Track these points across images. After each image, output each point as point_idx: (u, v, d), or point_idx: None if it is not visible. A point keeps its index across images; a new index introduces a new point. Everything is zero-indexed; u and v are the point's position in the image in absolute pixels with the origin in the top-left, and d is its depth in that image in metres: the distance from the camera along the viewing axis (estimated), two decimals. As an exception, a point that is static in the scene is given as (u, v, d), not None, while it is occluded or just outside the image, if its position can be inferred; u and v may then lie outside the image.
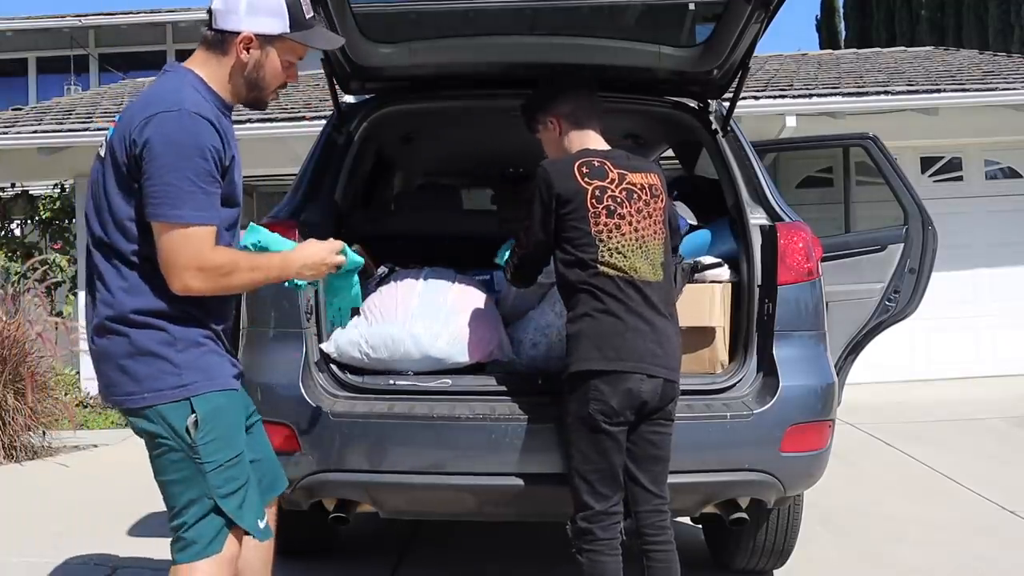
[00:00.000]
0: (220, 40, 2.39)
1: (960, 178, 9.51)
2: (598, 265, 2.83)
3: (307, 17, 2.42)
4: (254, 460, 2.58)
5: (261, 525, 2.45)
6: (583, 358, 2.79)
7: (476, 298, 3.37)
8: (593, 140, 3.06)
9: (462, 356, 3.23)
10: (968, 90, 8.85)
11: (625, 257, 2.84)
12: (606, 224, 2.84)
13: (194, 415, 2.32)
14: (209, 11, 2.40)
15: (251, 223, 2.68)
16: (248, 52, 2.38)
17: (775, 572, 3.90)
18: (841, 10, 20.69)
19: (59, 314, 9.51)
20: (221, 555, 2.38)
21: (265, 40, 2.38)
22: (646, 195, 2.93)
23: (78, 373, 9.24)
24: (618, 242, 2.84)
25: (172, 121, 2.25)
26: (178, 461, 2.35)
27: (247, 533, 2.44)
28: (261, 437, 2.66)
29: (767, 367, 3.18)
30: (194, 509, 2.36)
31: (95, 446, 7.27)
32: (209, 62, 2.41)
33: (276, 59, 2.42)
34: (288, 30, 2.38)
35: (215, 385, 2.37)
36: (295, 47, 2.43)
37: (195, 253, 2.26)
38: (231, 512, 2.36)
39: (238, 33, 2.36)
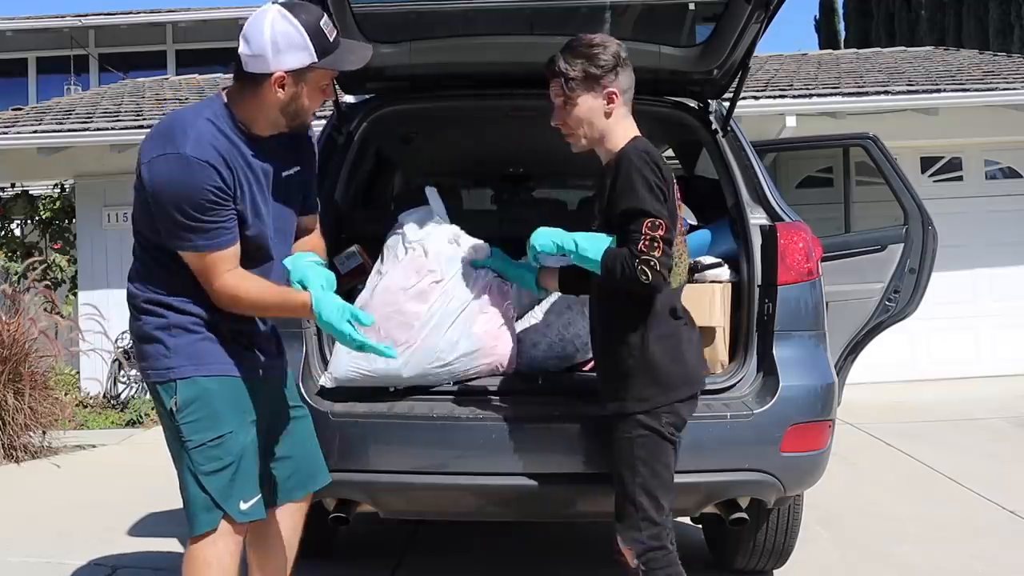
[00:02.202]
0: (253, 81, 2.45)
1: (960, 178, 9.51)
2: (669, 273, 2.63)
3: (331, 40, 2.46)
4: (282, 457, 2.71)
5: (243, 507, 2.54)
6: (673, 387, 2.67)
7: (494, 315, 3.19)
8: (635, 127, 2.80)
9: (467, 373, 3.19)
10: (968, 90, 8.85)
11: (682, 265, 2.75)
12: (677, 230, 2.69)
13: (176, 397, 2.49)
14: (237, 56, 2.45)
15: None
16: (283, 89, 2.44)
17: (775, 572, 3.90)
18: (841, 10, 20.68)
19: (60, 314, 9.53)
20: (228, 530, 2.51)
21: (297, 74, 2.43)
22: (679, 194, 2.83)
23: (78, 373, 9.24)
24: (679, 249, 2.74)
25: (166, 166, 2.38)
26: (170, 436, 2.56)
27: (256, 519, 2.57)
28: (296, 434, 2.77)
29: (767, 367, 3.18)
30: (188, 485, 2.52)
31: (94, 446, 7.28)
32: (244, 97, 2.48)
33: (311, 87, 2.48)
34: (316, 59, 2.43)
35: (203, 370, 2.51)
36: (326, 72, 2.50)
37: (211, 278, 2.45)
38: (213, 491, 2.49)
39: (270, 75, 2.41)
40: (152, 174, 2.39)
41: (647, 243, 2.52)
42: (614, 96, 2.70)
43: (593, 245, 2.65)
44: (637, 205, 2.55)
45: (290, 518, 2.76)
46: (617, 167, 2.63)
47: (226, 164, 2.41)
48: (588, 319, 2.99)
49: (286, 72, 2.41)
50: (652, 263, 2.52)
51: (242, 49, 2.43)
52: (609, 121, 2.72)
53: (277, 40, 2.38)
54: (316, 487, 2.81)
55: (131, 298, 2.57)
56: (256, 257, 2.56)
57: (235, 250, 2.47)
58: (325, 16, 2.47)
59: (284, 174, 2.62)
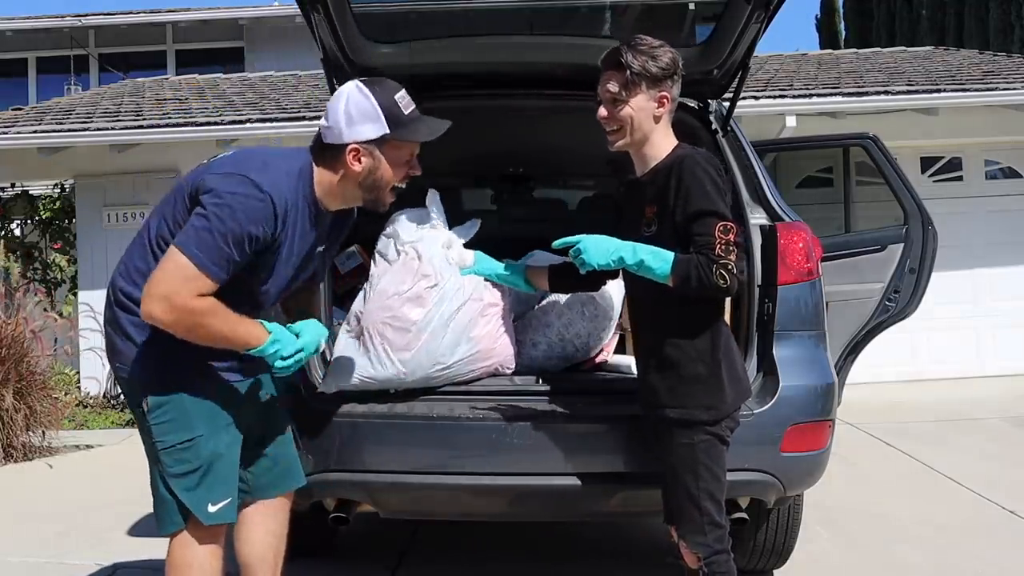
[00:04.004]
0: (331, 154, 2.49)
1: (960, 178, 9.51)
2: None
3: (406, 113, 2.49)
4: (262, 455, 2.70)
5: (211, 509, 2.52)
6: (735, 394, 2.69)
7: (493, 317, 3.17)
8: (675, 137, 2.77)
9: (467, 376, 3.18)
10: (968, 90, 8.84)
11: None
12: None
13: (147, 397, 2.48)
14: (318, 129, 2.52)
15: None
16: (360, 162, 2.48)
17: (775, 572, 3.90)
18: (841, 10, 20.67)
19: (59, 314, 9.52)
20: (206, 531, 2.52)
21: (371, 146, 2.46)
22: None
23: (78, 373, 9.24)
24: None
25: (239, 186, 2.37)
26: (142, 434, 2.56)
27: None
28: (271, 434, 2.75)
29: (767, 367, 3.18)
30: (157, 485, 2.53)
31: (94, 446, 7.28)
32: (325, 168, 2.51)
33: (386, 161, 2.50)
34: (388, 131, 2.46)
35: (176, 378, 2.49)
36: (403, 144, 2.51)
37: (179, 288, 2.33)
38: (179, 492, 2.50)
39: (346, 146, 2.45)
40: (223, 184, 2.38)
41: (722, 247, 2.51)
42: (665, 100, 2.68)
43: (656, 257, 2.57)
44: (709, 207, 2.54)
45: (273, 517, 2.77)
46: (680, 170, 2.59)
47: (285, 216, 2.42)
48: (631, 325, 2.93)
49: (360, 143, 2.46)
50: (730, 267, 2.51)
51: (320, 122, 2.50)
52: (656, 126, 2.70)
53: (351, 112, 2.45)
54: (292, 487, 2.82)
55: (112, 288, 2.54)
56: (251, 304, 2.53)
57: (213, 288, 2.38)
58: (403, 91, 2.52)
59: (317, 249, 2.65)
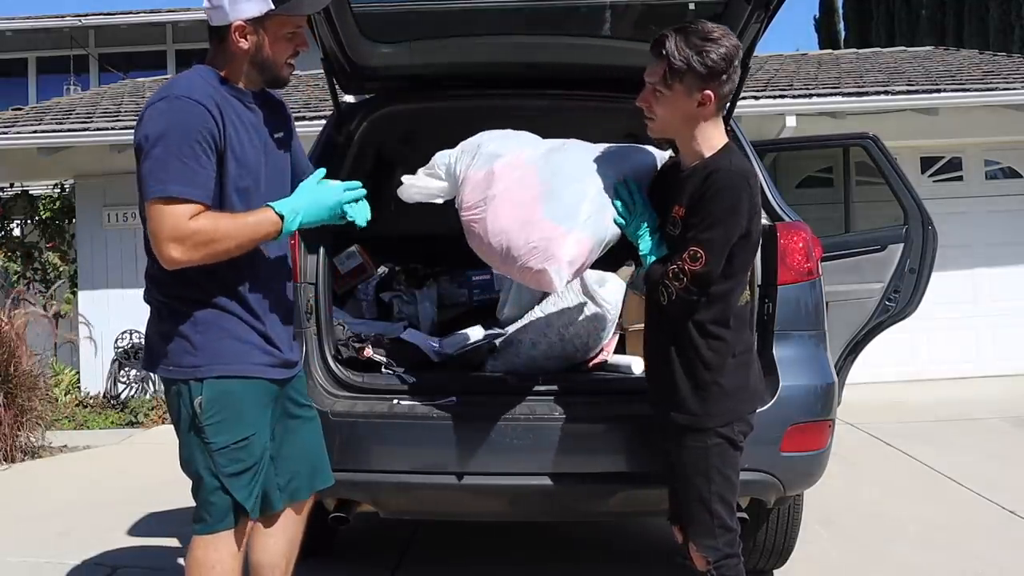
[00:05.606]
0: (219, 37, 2.49)
1: (960, 178, 9.52)
2: (743, 290, 2.65)
3: None
4: (290, 457, 2.68)
5: (248, 505, 2.54)
6: (747, 400, 2.67)
7: None
8: (724, 133, 2.64)
9: None
10: (968, 90, 8.85)
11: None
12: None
13: (200, 397, 2.45)
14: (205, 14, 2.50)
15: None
16: (246, 39, 2.46)
17: (775, 572, 3.90)
18: (841, 10, 20.68)
19: (57, 314, 9.52)
20: (230, 533, 2.51)
21: (256, 23, 2.45)
22: None
23: (78, 373, 9.24)
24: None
25: (160, 108, 2.39)
26: (188, 435, 2.50)
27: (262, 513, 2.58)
28: (304, 435, 2.74)
29: (767, 367, 3.17)
30: (204, 484, 2.49)
31: (94, 447, 7.27)
32: (218, 57, 2.52)
33: (274, 36, 2.48)
34: (272, 7, 2.44)
35: (229, 370, 2.48)
36: (287, 19, 2.49)
37: (174, 224, 2.34)
38: (236, 492, 2.48)
39: (230, 25, 2.44)
40: (148, 120, 2.38)
41: (676, 270, 2.50)
42: (709, 100, 2.52)
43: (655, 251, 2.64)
44: (696, 235, 2.49)
45: (293, 518, 2.76)
46: (705, 182, 2.51)
47: (217, 108, 2.41)
48: (645, 329, 2.86)
49: (245, 21, 2.43)
50: (670, 290, 2.51)
51: (204, 5, 2.47)
52: (695, 125, 2.57)
53: None
54: (319, 487, 2.80)
55: (151, 293, 2.52)
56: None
57: (202, 207, 2.38)
58: None
59: (275, 135, 2.62)
